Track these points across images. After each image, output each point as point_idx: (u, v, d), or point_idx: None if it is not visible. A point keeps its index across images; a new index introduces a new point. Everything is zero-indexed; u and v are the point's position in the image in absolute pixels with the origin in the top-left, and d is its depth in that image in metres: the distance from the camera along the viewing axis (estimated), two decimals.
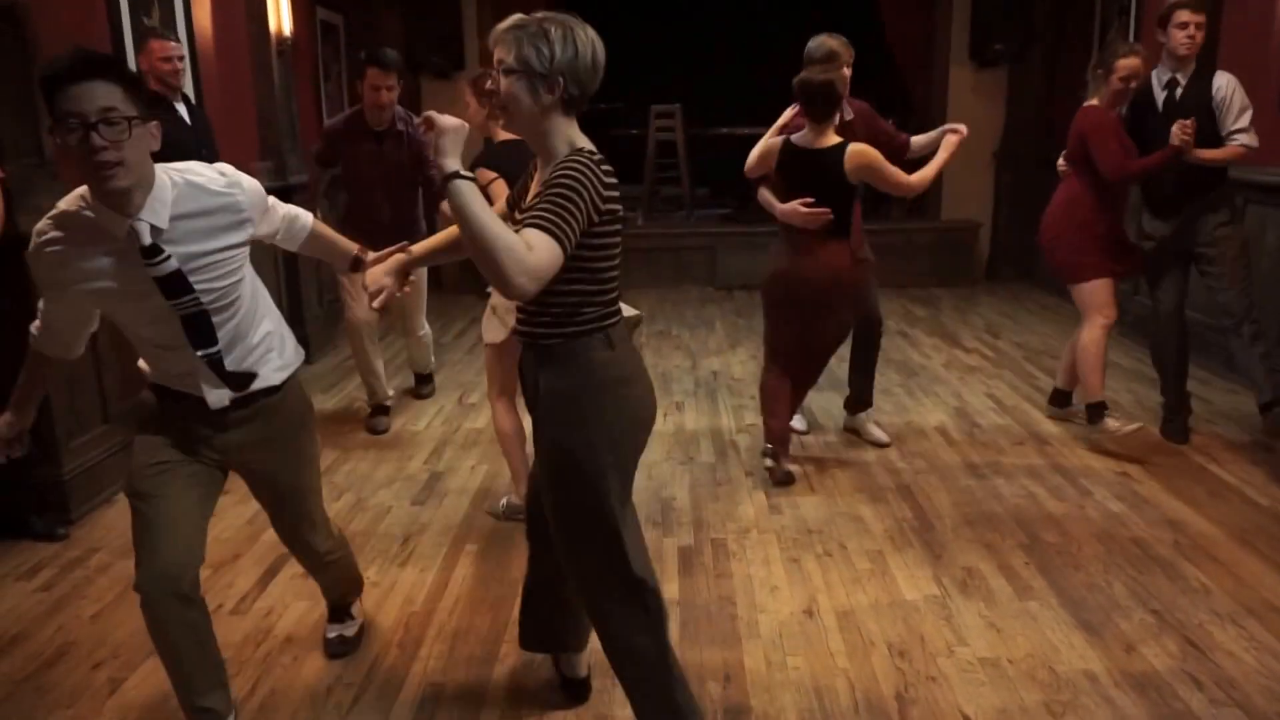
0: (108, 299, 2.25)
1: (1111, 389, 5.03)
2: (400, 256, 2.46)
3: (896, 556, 3.60)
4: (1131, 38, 6.97)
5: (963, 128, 4.32)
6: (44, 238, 2.18)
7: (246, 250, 2.37)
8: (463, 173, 1.89)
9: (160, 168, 2.20)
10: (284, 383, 2.51)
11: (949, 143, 4.27)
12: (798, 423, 4.88)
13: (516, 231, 1.94)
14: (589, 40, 2.09)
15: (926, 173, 4.14)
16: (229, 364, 2.36)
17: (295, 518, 2.72)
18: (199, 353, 2.29)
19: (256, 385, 2.43)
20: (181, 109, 4.64)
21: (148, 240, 2.13)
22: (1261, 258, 5.33)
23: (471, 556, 3.65)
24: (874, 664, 2.92)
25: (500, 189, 3.56)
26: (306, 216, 2.67)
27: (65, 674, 2.92)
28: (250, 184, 2.34)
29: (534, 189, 2.26)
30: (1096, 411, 4.59)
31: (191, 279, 2.21)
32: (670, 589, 3.37)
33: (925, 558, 3.58)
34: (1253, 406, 4.74)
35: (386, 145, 4.92)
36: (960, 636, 3.06)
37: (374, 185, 4.94)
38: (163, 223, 2.15)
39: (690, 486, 4.29)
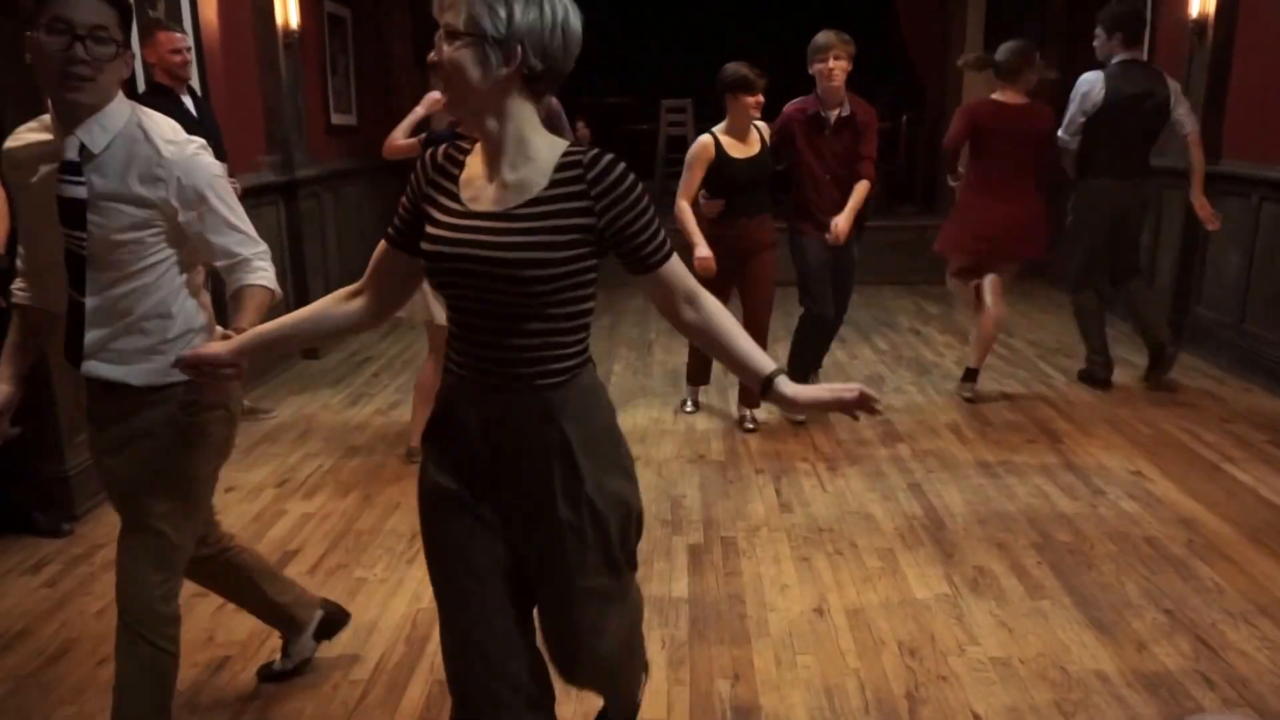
0: (33, 209, 2.21)
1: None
2: (234, 341, 2.02)
3: (907, 555, 3.57)
4: (1147, 33, 6.92)
5: None
6: (10, 137, 2.23)
7: (158, 218, 2.17)
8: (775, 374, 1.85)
9: (131, 105, 2.18)
10: (151, 388, 2.24)
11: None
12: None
13: (645, 272, 1.84)
14: (561, 5, 1.71)
15: (691, 228, 4.58)
16: (94, 335, 2.21)
17: (127, 530, 2.33)
18: (71, 289, 2.21)
19: (111, 375, 2.23)
20: (187, 101, 4.61)
21: (72, 155, 2.10)
22: (1277, 258, 5.30)
23: None
24: (884, 663, 2.89)
25: None
26: (244, 277, 2.28)
27: (69, 670, 2.91)
28: (192, 166, 2.17)
29: (492, 191, 1.78)
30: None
31: (91, 216, 2.12)
32: (679, 587, 3.35)
33: (936, 556, 3.55)
34: (1270, 406, 4.72)
35: None
36: (971, 635, 3.03)
37: None
38: (95, 146, 2.11)
39: (700, 484, 4.26)
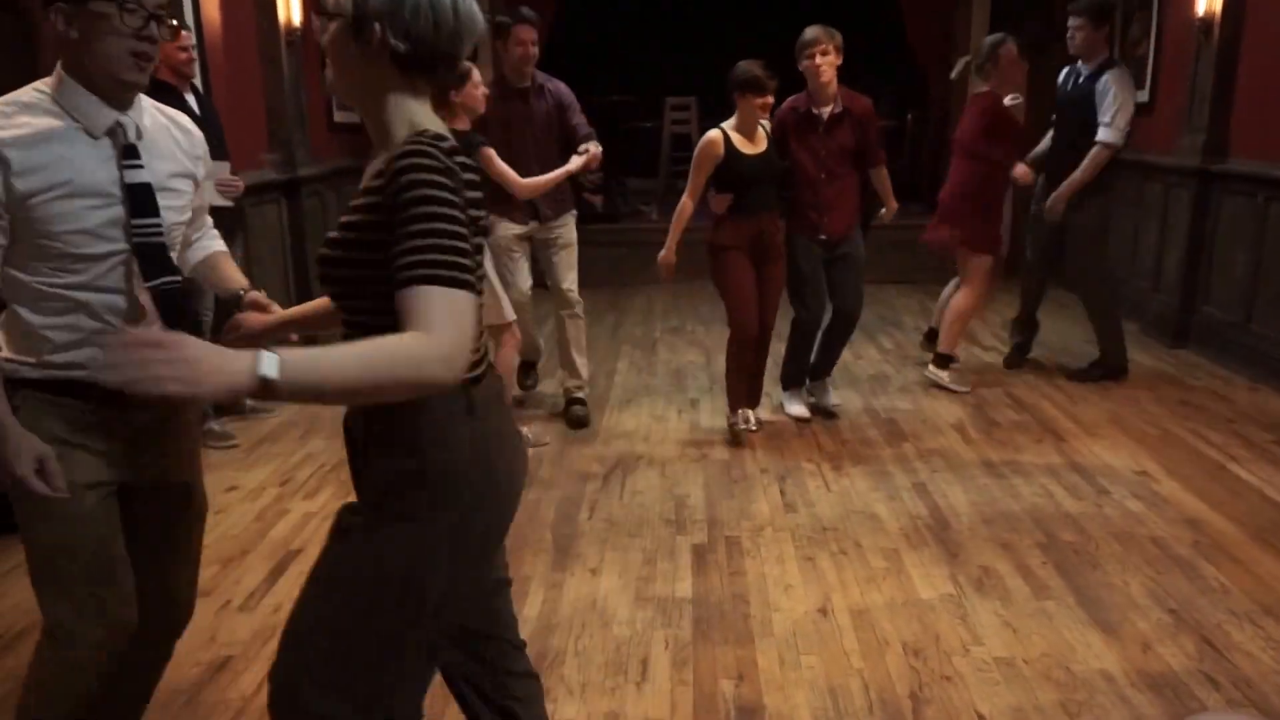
0: (56, 202, 1.88)
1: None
2: (276, 318, 2.09)
3: (912, 555, 3.56)
4: (1153, 32, 6.91)
5: None
6: (5, 121, 1.89)
7: (191, 199, 2.17)
8: (267, 359, 1.33)
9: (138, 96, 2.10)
10: None
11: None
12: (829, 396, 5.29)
13: (394, 289, 1.49)
14: None
15: (672, 231, 4.67)
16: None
17: (191, 555, 2.29)
18: (154, 282, 1.98)
19: None
20: (190, 99, 4.60)
21: (133, 137, 1.97)
22: None
23: None
24: (888, 663, 2.88)
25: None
26: (213, 245, 2.36)
27: None
28: (205, 146, 2.23)
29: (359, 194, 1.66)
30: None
31: (162, 200, 2.01)
32: (684, 587, 3.35)
33: (941, 556, 3.54)
34: (1277, 405, 4.72)
35: (532, 101, 4.82)
36: (976, 636, 3.02)
37: (525, 144, 4.78)
38: (144, 128, 2.02)
39: (704, 484, 4.25)
